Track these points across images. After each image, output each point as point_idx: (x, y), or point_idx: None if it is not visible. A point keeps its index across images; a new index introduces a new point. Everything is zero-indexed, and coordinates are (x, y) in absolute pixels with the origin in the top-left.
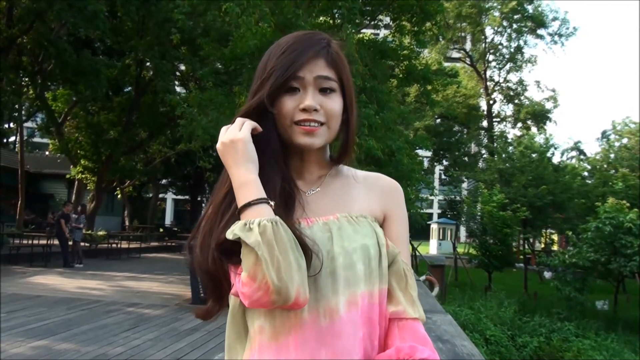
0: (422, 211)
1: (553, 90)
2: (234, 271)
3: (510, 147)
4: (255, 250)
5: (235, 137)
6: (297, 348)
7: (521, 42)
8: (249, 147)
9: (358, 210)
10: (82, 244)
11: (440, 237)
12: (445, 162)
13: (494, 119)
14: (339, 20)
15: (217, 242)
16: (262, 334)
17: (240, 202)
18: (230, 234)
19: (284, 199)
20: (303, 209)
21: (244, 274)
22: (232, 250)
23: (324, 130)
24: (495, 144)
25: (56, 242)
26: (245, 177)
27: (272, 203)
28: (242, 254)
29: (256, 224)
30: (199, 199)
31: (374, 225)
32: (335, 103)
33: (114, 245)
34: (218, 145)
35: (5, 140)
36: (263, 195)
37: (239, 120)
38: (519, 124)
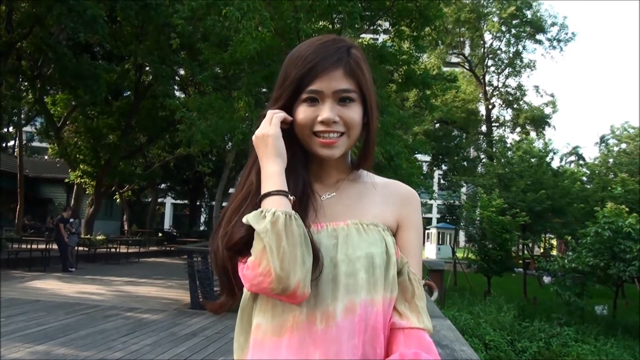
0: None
1: (552, 95)
2: (241, 261)
3: (509, 152)
4: (262, 237)
5: (267, 132)
6: (290, 348)
7: (520, 47)
8: (278, 143)
9: (371, 218)
10: (77, 248)
11: (440, 242)
12: (444, 167)
13: (493, 124)
14: (338, 25)
15: (229, 241)
16: (258, 331)
17: (262, 192)
18: (244, 219)
19: (302, 202)
20: (316, 213)
21: (251, 258)
22: (242, 248)
23: (344, 140)
24: (494, 149)
25: (55, 246)
26: (271, 170)
27: (291, 198)
28: (254, 239)
29: (270, 213)
30: (197, 203)
31: (385, 234)
32: (354, 112)
33: (113, 250)
34: (253, 137)
35: (4, 145)
36: (284, 188)
37: (269, 113)
38: (518, 129)
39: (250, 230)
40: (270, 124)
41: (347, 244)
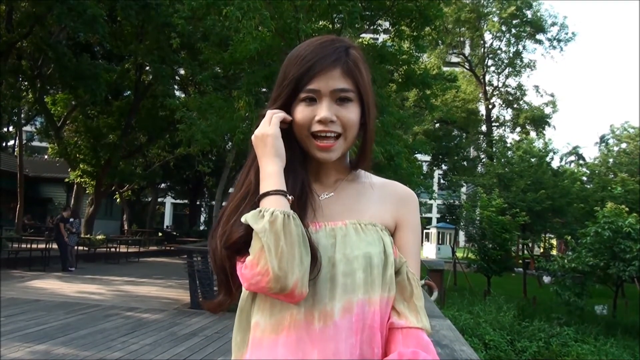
0: (421, 215)
1: (552, 95)
2: (239, 260)
3: (509, 152)
4: (260, 236)
5: (266, 132)
6: (287, 346)
7: (520, 47)
8: (277, 143)
9: (369, 218)
10: (77, 247)
11: (439, 242)
12: (444, 167)
13: (493, 124)
14: (338, 25)
15: (227, 240)
16: (256, 330)
17: (261, 191)
18: (243, 218)
19: (300, 201)
20: (314, 213)
21: (250, 257)
22: (241, 247)
23: (340, 143)
24: (494, 149)
25: (55, 246)
26: (270, 169)
27: (290, 197)
28: (252, 239)
29: (269, 213)
30: (197, 203)
31: (382, 233)
32: (351, 113)
33: (113, 250)
34: (252, 137)
35: (4, 144)
36: (283, 187)
37: (268, 113)
38: (518, 129)
39: (248, 230)
40: (270, 123)
41: (345, 243)
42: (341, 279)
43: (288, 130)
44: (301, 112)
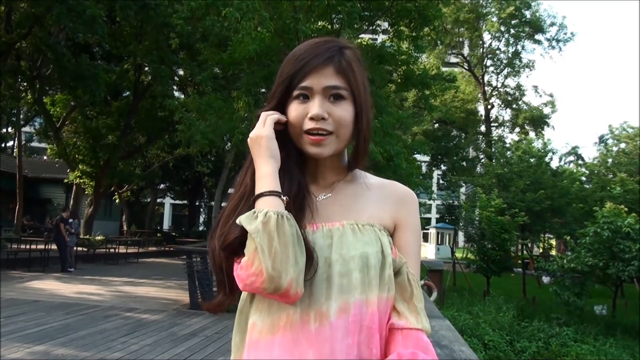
0: (420, 216)
1: (551, 95)
2: (236, 261)
3: (508, 152)
4: (253, 237)
5: (260, 134)
6: (283, 347)
7: (519, 47)
8: (271, 144)
9: (367, 218)
10: (76, 248)
11: (439, 242)
12: (443, 167)
13: (492, 124)
14: (337, 26)
15: (224, 241)
16: (253, 330)
17: (256, 192)
18: (238, 220)
19: (297, 202)
20: (312, 214)
21: (244, 258)
22: (237, 248)
23: (332, 140)
24: (493, 149)
25: (54, 247)
26: (264, 171)
27: (284, 198)
28: (247, 239)
29: (262, 214)
30: (197, 203)
31: (380, 234)
32: (344, 111)
33: (112, 250)
34: (248, 139)
35: (3, 145)
36: (277, 188)
37: (263, 114)
38: (517, 129)
39: (244, 231)
40: (264, 125)
41: (342, 243)
42: (337, 280)
43: (283, 132)
44: (295, 109)
